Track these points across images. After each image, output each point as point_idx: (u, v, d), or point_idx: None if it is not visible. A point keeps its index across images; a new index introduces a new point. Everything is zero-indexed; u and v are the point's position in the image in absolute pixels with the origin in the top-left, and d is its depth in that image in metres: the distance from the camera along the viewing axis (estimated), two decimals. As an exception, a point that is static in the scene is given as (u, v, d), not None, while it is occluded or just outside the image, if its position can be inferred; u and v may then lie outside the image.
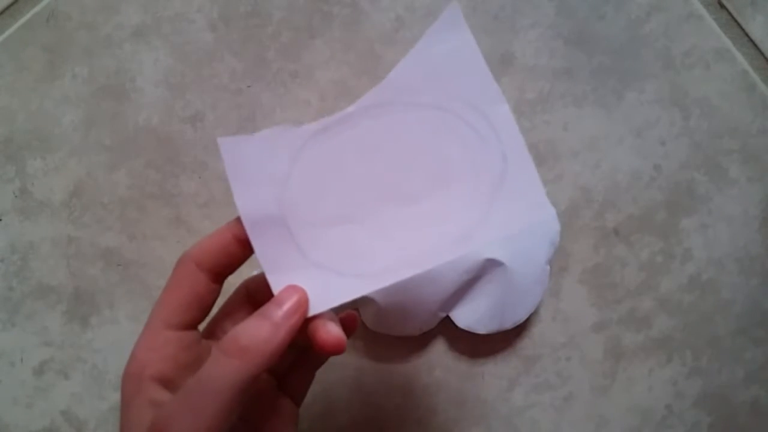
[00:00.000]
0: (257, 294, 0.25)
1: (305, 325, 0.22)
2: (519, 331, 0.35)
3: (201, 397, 0.20)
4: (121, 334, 0.34)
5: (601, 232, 0.35)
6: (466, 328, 0.32)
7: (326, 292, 0.22)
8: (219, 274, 0.23)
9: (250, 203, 0.22)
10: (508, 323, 0.32)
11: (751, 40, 0.34)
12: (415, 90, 0.23)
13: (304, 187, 0.23)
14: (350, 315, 0.25)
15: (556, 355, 0.35)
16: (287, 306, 0.21)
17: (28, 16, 0.33)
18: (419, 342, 0.34)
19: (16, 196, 0.33)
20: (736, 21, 0.34)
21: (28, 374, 0.34)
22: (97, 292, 0.34)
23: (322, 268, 0.23)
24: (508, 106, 0.23)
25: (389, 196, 0.23)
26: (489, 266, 0.30)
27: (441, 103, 0.23)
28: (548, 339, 0.35)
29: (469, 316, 0.32)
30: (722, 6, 0.34)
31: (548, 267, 0.32)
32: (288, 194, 0.23)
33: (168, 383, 0.22)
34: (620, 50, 0.34)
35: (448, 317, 0.33)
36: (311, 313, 0.22)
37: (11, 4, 0.33)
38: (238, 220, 0.22)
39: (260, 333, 0.21)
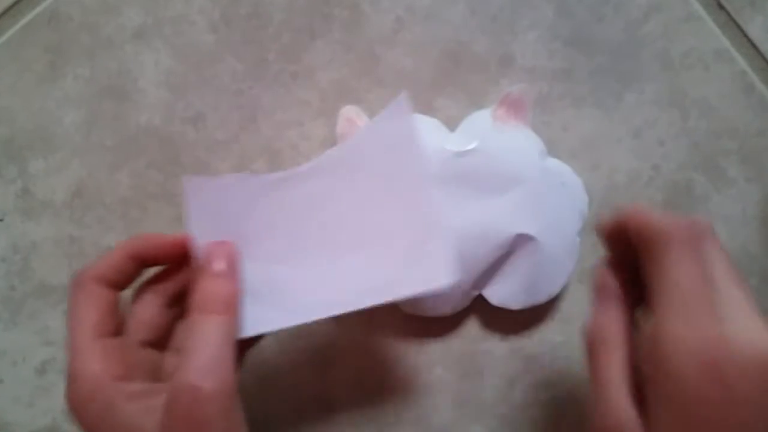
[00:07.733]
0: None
1: None
2: (519, 330, 0.35)
3: (213, 353, 0.21)
4: (122, 334, 0.34)
5: (600, 232, 0.35)
6: (500, 305, 0.32)
7: (251, 320, 0.24)
8: (118, 287, 0.25)
9: (206, 236, 0.24)
10: (542, 296, 0.32)
11: (750, 41, 0.34)
12: (359, 160, 0.26)
13: (256, 228, 0.26)
14: None
15: (555, 354, 0.35)
16: (231, 262, 0.24)
17: (29, 17, 0.33)
18: (419, 341, 0.34)
19: (18, 197, 0.34)
20: (735, 22, 0.34)
21: (30, 373, 0.34)
22: (98, 292, 0.34)
23: (254, 297, 0.24)
24: (434, 187, 0.25)
25: (326, 245, 0.26)
26: (520, 241, 0.31)
27: (379, 173, 0.26)
28: (548, 338, 0.35)
29: (502, 292, 0.32)
30: (721, 7, 0.34)
31: (578, 239, 0.32)
32: (241, 232, 0.25)
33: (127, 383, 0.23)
34: (619, 51, 0.34)
35: (480, 295, 0.33)
36: (240, 336, 0.23)
37: (13, 5, 0.33)
38: (132, 240, 0.25)
39: (226, 288, 0.23)
